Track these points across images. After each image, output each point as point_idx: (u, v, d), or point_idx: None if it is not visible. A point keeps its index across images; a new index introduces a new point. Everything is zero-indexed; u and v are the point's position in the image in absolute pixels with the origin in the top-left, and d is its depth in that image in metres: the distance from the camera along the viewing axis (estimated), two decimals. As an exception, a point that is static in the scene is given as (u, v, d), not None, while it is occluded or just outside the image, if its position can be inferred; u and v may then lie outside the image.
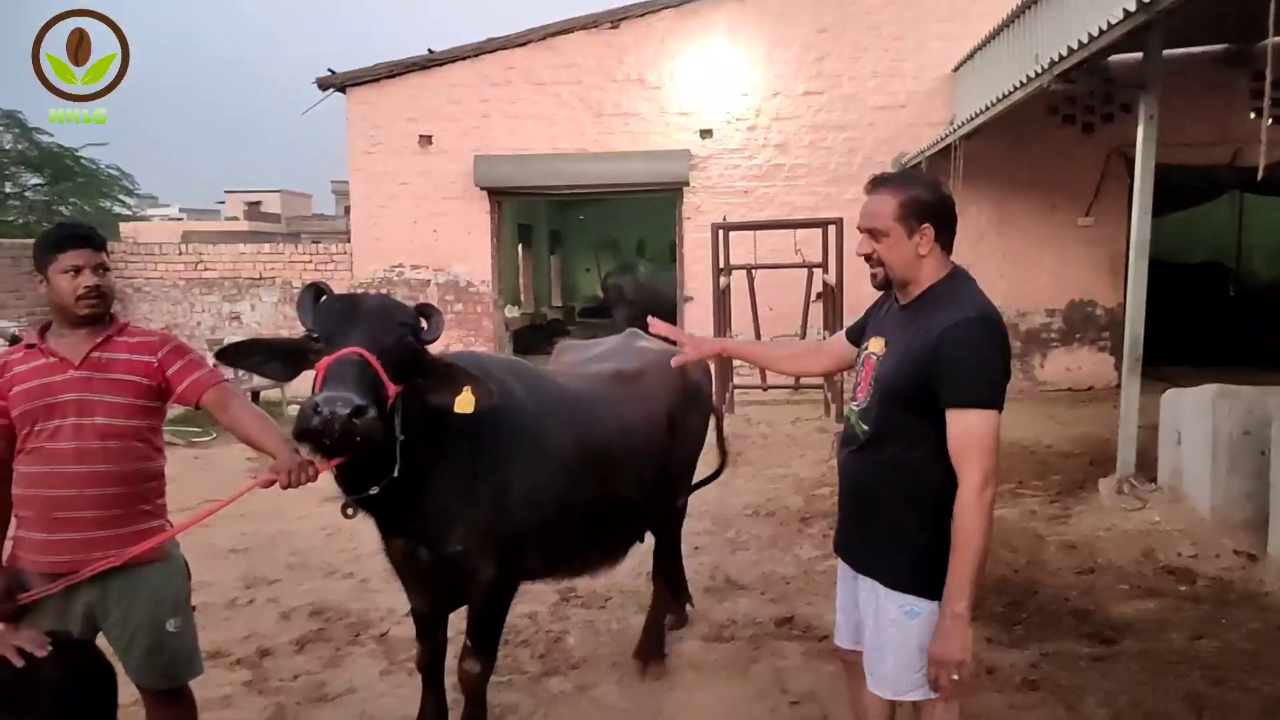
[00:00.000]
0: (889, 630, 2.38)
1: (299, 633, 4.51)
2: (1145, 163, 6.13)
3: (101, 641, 2.62)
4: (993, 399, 2.19)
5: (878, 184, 2.39)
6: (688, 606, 4.59)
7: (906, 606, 2.34)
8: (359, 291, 2.87)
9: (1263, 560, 4.88)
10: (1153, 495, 5.98)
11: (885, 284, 2.42)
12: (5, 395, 2.56)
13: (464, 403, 2.72)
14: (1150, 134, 6.10)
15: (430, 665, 3.32)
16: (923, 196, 2.33)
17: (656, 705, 3.72)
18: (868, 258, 2.38)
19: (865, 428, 2.39)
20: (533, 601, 4.72)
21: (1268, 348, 11.05)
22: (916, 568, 2.31)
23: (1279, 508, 4.78)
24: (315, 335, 2.64)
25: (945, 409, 2.20)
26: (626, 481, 3.45)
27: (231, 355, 2.82)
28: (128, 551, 2.55)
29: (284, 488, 2.54)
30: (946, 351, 2.19)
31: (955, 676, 2.18)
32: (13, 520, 2.63)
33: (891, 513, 2.36)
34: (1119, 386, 7.79)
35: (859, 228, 2.40)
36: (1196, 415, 5.66)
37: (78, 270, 2.56)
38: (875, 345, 2.43)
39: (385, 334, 2.63)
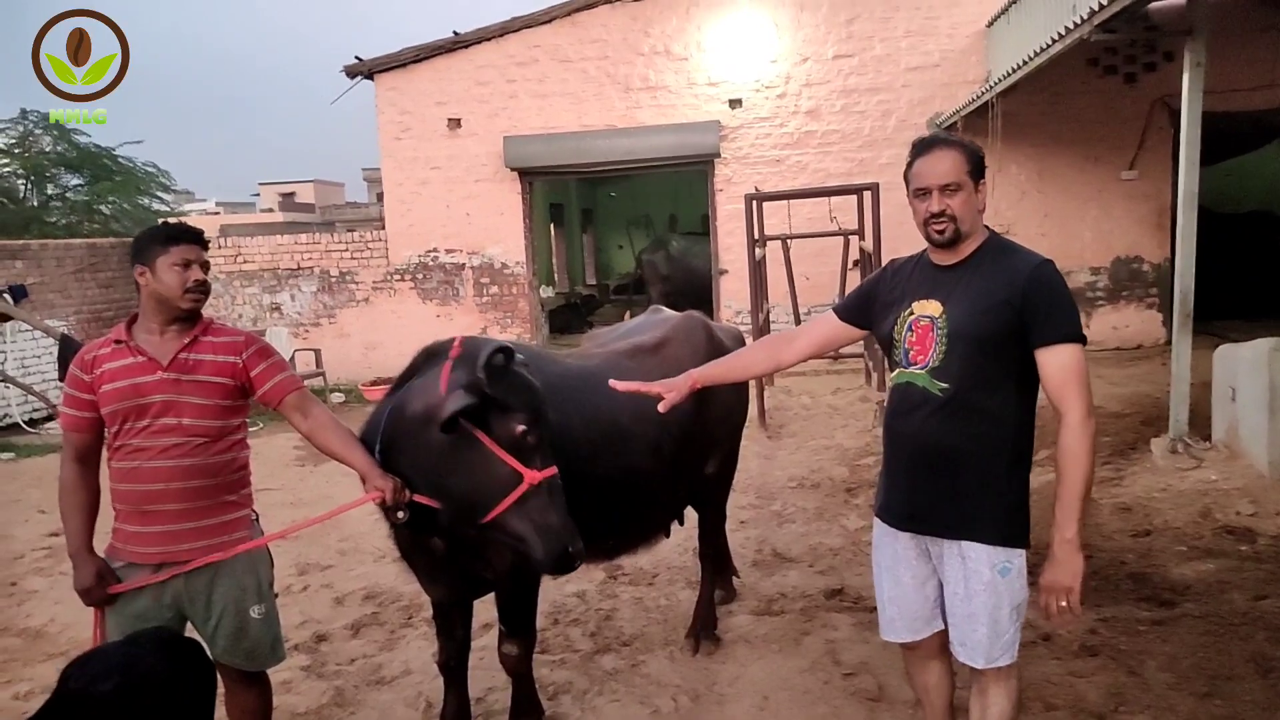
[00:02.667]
0: (981, 595, 2.39)
1: (353, 617, 4.58)
2: (1192, 111, 5.94)
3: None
4: (1081, 333, 2.33)
5: (934, 143, 2.43)
6: (734, 580, 4.58)
7: (999, 565, 2.37)
8: (528, 369, 2.75)
9: (1326, 516, 4.75)
10: (1208, 454, 5.84)
11: (953, 240, 2.39)
12: (94, 390, 2.62)
13: None
14: (1197, 81, 5.91)
15: (452, 662, 3.27)
16: (980, 154, 2.43)
17: (709, 679, 3.72)
18: (940, 214, 2.37)
19: (944, 385, 2.37)
20: (581, 580, 4.74)
21: (1322, 298, 10.73)
22: (1013, 518, 2.40)
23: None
24: (523, 429, 2.62)
25: (1040, 347, 2.31)
26: (641, 454, 3.36)
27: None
28: (234, 548, 2.66)
29: (384, 506, 2.68)
30: (1041, 291, 2.31)
31: (1065, 603, 2.29)
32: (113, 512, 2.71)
33: (982, 467, 2.37)
34: (1168, 344, 7.60)
35: (929, 186, 2.38)
36: (1253, 369, 5.51)
37: (188, 264, 2.63)
38: (927, 308, 2.41)
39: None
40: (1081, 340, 2.31)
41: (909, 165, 2.46)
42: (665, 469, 3.51)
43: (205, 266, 2.70)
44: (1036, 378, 2.36)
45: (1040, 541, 2.47)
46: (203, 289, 2.67)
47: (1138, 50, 10.45)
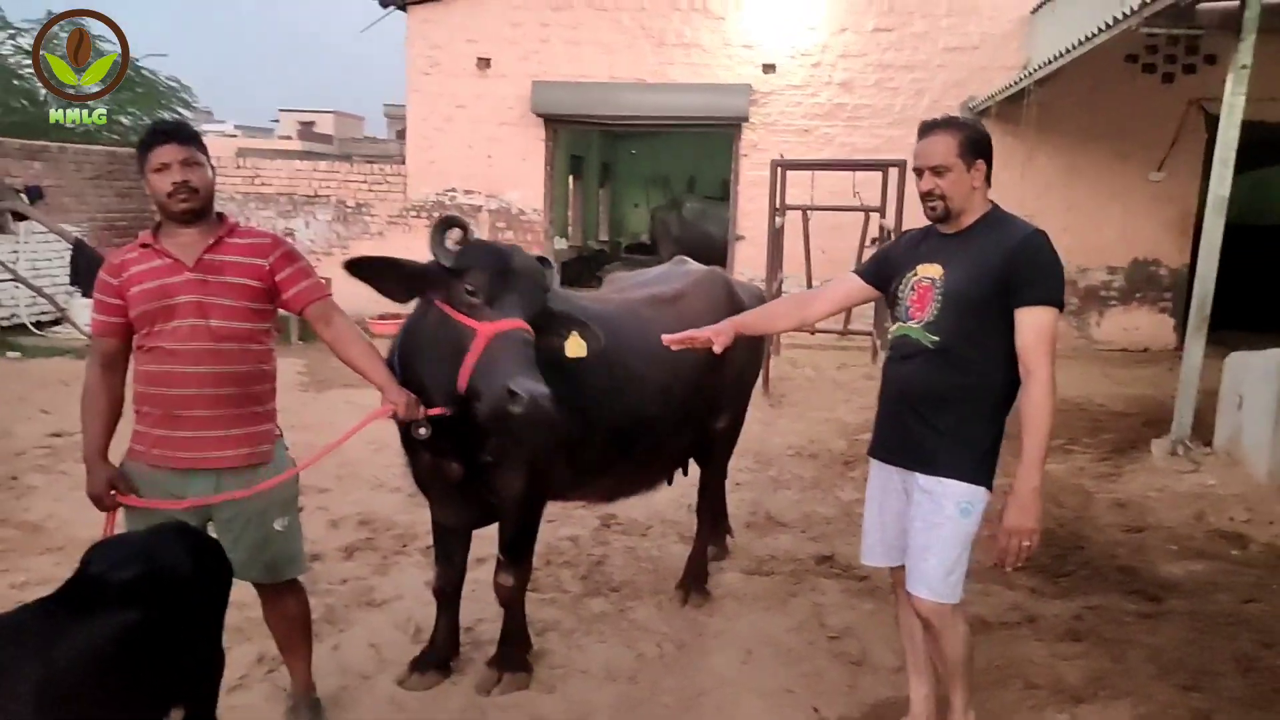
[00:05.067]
0: (942, 527, 2.60)
1: (347, 540, 4.62)
2: (1231, 114, 5.88)
3: None
4: (1062, 300, 2.54)
5: (933, 126, 2.65)
6: (728, 539, 4.62)
7: (963, 503, 2.59)
8: (506, 244, 2.95)
9: (1320, 529, 4.77)
10: (1208, 459, 5.86)
11: (944, 216, 2.64)
12: (123, 295, 2.59)
13: (575, 347, 2.89)
14: (1240, 84, 5.83)
15: (447, 589, 3.34)
16: (976, 136, 2.63)
17: (696, 630, 3.77)
18: (929, 194, 2.61)
19: (935, 338, 2.61)
20: (575, 525, 4.79)
21: (1338, 318, 10.66)
22: (982, 461, 2.63)
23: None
24: (470, 289, 2.73)
25: (1019, 308, 2.51)
26: (652, 400, 3.41)
27: (360, 269, 2.82)
28: (259, 485, 2.63)
29: (398, 422, 2.76)
30: (1028, 257, 2.52)
31: (1027, 543, 2.50)
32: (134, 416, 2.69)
33: (960, 412, 2.60)
34: (1177, 349, 7.60)
35: (921, 167, 2.63)
36: (1262, 379, 5.51)
37: (165, 167, 2.55)
38: (930, 270, 2.65)
39: (536, 303, 2.82)
40: (1059, 306, 2.52)
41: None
42: (674, 415, 3.54)
43: (191, 164, 2.57)
44: None
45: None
46: (188, 188, 2.56)
47: (1178, 50, 10.29)
